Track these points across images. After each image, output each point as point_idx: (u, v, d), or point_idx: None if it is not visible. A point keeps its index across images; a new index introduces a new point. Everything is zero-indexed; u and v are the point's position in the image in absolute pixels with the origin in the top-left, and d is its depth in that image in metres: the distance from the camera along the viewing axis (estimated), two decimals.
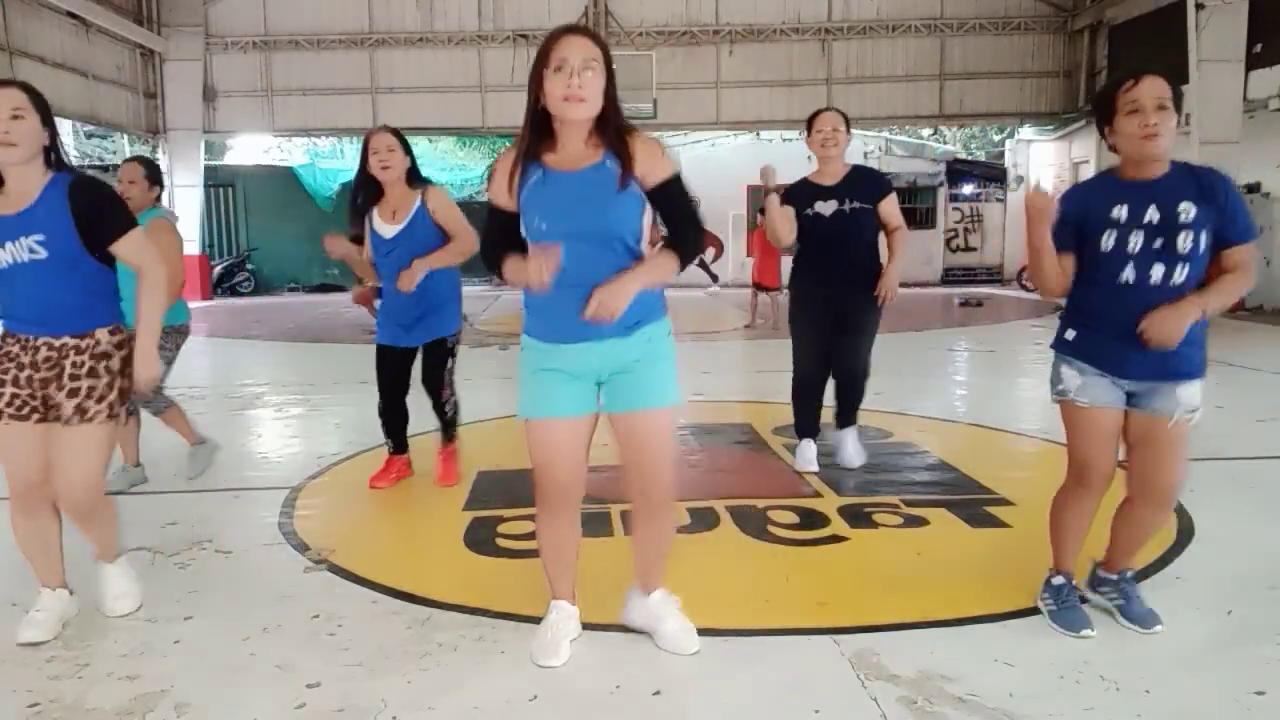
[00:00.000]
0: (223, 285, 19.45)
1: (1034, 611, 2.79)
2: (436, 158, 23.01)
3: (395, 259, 3.95)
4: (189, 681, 2.45)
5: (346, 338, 11.19)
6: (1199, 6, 11.97)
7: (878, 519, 3.75)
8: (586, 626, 2.68)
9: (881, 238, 4.34)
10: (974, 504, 3.91)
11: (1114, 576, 2.76)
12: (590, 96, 2.26)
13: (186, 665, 2.56)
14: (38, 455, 2.67)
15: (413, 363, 4.20)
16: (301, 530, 3.72)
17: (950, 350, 9.59)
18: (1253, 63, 12.44)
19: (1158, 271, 2.43)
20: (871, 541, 3.53)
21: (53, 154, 2.62)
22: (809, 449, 4.52)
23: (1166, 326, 2.38)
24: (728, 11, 17.80)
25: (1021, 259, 18.48)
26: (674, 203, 2.36)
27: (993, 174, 20.79)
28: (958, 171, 20.68)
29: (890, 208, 4.28)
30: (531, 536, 3.50)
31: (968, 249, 21.00)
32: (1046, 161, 19.62)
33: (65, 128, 16.68)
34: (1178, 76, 2.62)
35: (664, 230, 2.42)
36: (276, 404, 6.85)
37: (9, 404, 2.62)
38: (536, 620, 2.65)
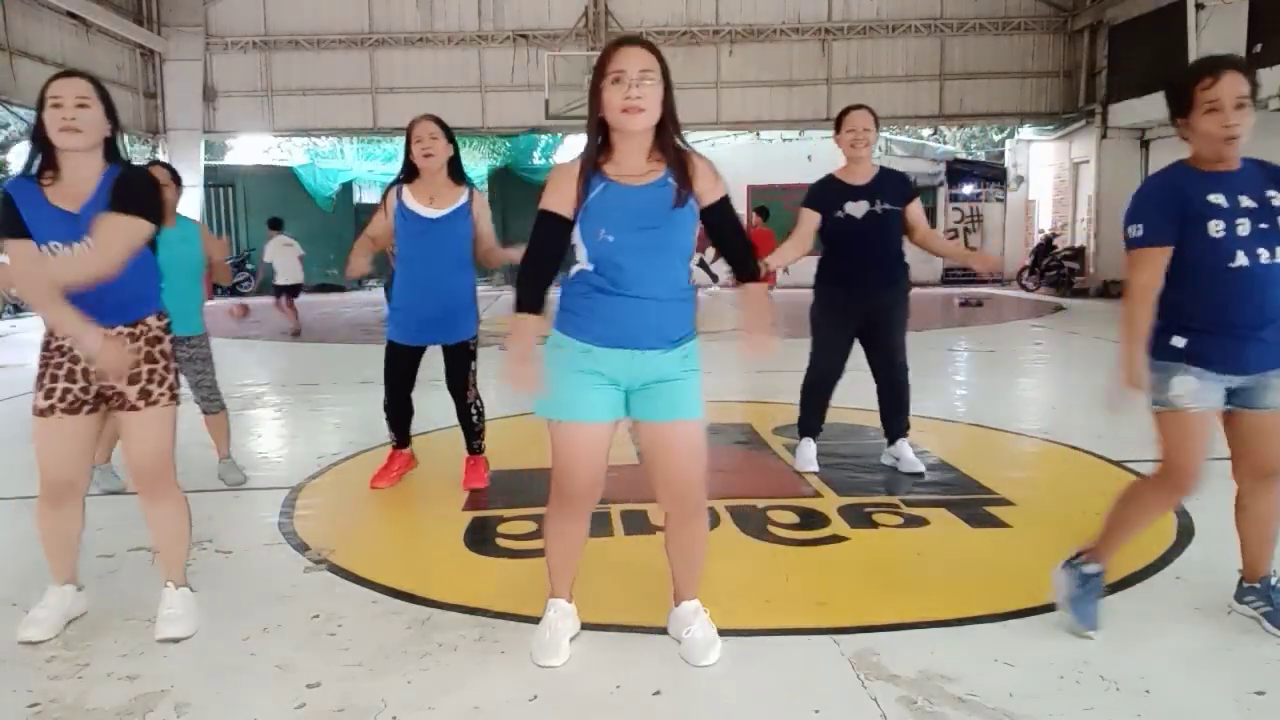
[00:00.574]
0: (223, 285, 19.42)
1: (1034, 611, 2.78)
2: None
3: (431, 241, 3.97)
4: (189, 681, 2.46)
5: (346, 337, 11.18)
6: (1199, 6, 11.98)
7: (878, 519, 3.75)
8: (586, 626, 2.69)
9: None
10: (974, 504, 3.92)
11: (1257, 585, 2.68)
12: (649, 106, 2.30)
13: (186, 665, 2.56)
14: (83, 452, 2.71)
15: (421, 360, 4.20)
16: (301, 530, 3.73)
17: (950, 350, 9.58)
18: (1253, 62, 12.39)
19: (1264, 255, 2.40)
20: (871, 541, 3.53)
21: (112, 147, 2.65)
22: (809, 448, 4.51)
23: None
24: (728, 11, 17.78)
25: (1021, 259, 18.50)
26: (726, 219, 2.49)
27: (993, 174, 20.75)
28: (958, 171, 20.65)
29: (917, 209, 4.33)
30: (531, 536, 3.51)
31: (968, 249, 20.96)
32: (1046, 162, 19.61)
33: None
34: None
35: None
36: (276, 404, 6.86)
37: (61, 399, 2.64)
38: (536, 620, 2.65)
